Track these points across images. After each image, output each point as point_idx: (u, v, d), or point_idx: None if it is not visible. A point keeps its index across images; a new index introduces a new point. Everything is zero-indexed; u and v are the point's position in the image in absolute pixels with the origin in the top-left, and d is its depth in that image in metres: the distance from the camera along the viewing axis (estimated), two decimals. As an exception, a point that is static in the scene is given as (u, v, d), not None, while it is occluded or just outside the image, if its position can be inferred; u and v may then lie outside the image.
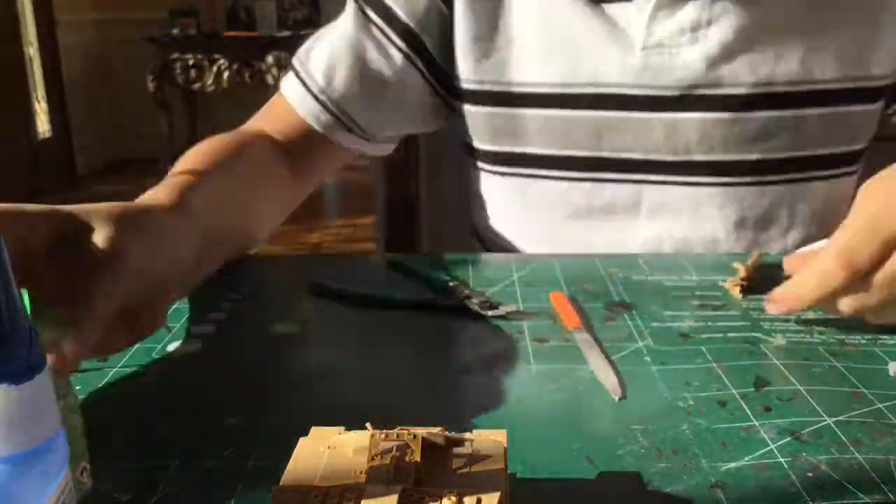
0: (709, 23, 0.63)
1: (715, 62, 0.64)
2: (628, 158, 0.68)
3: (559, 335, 0.49)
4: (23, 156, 3.82)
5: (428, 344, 0.49)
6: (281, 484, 0.29)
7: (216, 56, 4.14)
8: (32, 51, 4.04)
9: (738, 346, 0.47)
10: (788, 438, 0.37)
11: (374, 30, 0.69)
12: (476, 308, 0.52)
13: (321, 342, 0.49)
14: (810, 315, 0.52)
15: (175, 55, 4.16)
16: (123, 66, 4.47)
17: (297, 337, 0.50)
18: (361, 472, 0.29)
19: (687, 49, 0.64)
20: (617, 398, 0.41)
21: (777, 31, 0.64)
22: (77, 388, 0.34)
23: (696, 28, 0.63)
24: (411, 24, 0.69)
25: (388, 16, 0.69)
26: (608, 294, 0.56)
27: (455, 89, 0.71)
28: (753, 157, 0.66)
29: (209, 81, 4.16)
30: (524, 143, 0.70)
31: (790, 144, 0.66)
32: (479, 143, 0.73)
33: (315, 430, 0.33)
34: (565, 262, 0.62)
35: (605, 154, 0.68)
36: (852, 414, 0.39)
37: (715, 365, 0.45)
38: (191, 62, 4.16)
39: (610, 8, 0.65)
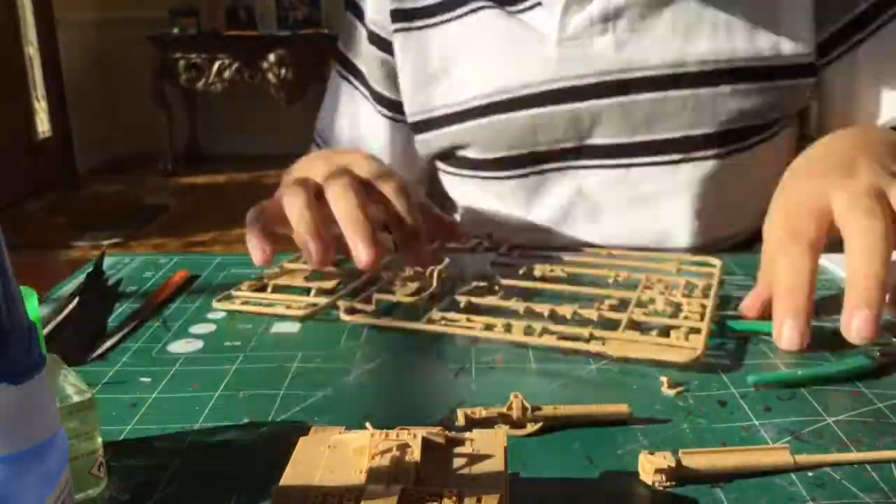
0: (617, 12, 0.66)
1: (626, 47, 0.67)
2: (560, 149, 0.71)
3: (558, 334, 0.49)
4: (23, 155, 3.81)
5: (428, 342, 0.49)
6: (281, 484, 0.29)
7: (216, 55, 4.14)
8: (32, 50, 4.04)
9: (738, 345, 0.47)
10: (789, 438, 0.37)
11: (366, 112, 0.80)
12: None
13: (322, 341, 0.49)
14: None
15: (175, 55, 4.16)
16: (123, 65, 4.47)
17: (297, 336, 0.50)
18: (361, 472, 0.29)
19: (599, 38, 0.67)
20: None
21: (683, 13, 0.66)
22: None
23: (605, 19, 0.67)
24: (390, 96, 0.78)
25: (377, 96, 0.79)
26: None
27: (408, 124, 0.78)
28: (678, 134, 0.68)
29: (209, 81, 4.16)
30: (470, 150, 0.74)
31: (711, 121, 0.67)
32: (436, 159, 0.79)
33: (315, 430, 0.33)
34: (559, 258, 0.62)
35: (542, 148, 0.71)
36: (852, 413, 0.39)
37: (715, 363, 0.45)
38: (191, 62, 4.16)
39: (524, 15, 0.70)
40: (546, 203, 0.73)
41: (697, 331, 0.46)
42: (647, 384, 0.43)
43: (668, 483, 0.33)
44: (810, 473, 0.34)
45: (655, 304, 0.52)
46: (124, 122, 4.59)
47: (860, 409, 0.40)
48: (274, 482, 0.29)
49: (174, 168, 4.32)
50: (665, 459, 0.33)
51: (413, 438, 0.30)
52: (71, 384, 0.33)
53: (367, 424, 0.33)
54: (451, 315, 0.50)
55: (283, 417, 0.39)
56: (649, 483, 0.33)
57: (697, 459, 0.34)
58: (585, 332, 0.47)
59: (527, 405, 0.38)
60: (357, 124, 0.81)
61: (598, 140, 0.70)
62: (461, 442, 0.31)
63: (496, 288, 0.55)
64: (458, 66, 0.73)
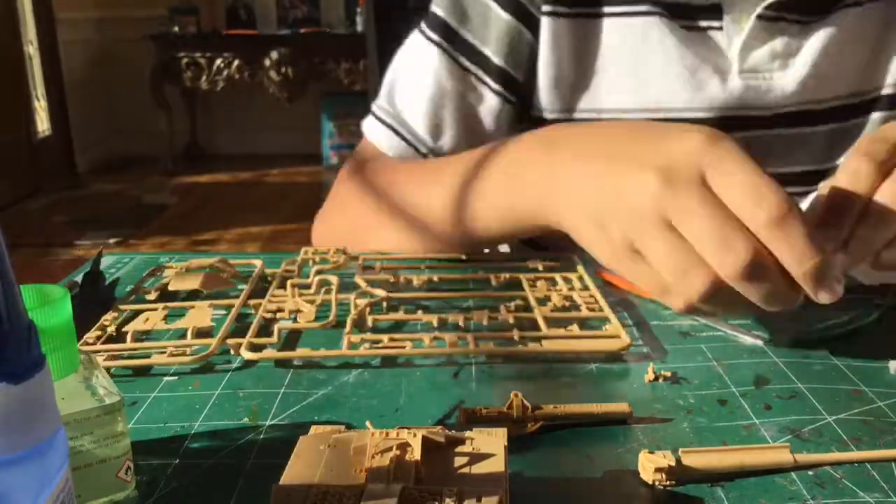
0: (798, 49, 0.66)
1: (805, 82, 0.66)
2: None
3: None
4: (23, 154, 3.81)
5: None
6: (281, 482, 0.29)
7: (216, 54, 4.14)
8: (32, 49, 4.03)
9: (738, 345, 0.47)
10: (789, 437, 0.37)
11: (472, 79, 0.70)
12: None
13: (322, 340, 0.49)
14: (810, 313, 0.52)
15: (175, 53, 4.16)
16: (123, 64, 4.47)
17: (296, 335, 0.50)
18: (361, 472, 0.29)
19: (779, 73, 0.66)
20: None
21: (862, 44, 0.66)
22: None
23: (787, 55, 0.66)
24: (504, 66, 0.69)
25: (483, 62, 0.69)
26: (608, 293, 0.56)
27: (536, 116, 0.71)
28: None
29: (209, 80, 4.16)
30: None
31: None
32: None
33: (315, 429, 0.33)
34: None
35: None
36: (853, 412, 0.39)
37: (715, 363, 0.45)
38: (191, 60, 4.16)
39: (702, 35, 0.67)
40: None
41: (607, 320, 0.49)
42: (647, 383, 0.43)
43: (668, 482, 0.33)
44: (810, 472, 0.34)
45: (552, 300, 0.53)
46: (124, 122, 4.59)
47: (860, 408, 0.40)
48: (274, 481, 0.29)
49: (174, 167, 4.32)
50: (665, 458, 0.33)
51: (413, 438, 0.30)
52: (102, 386, 0.32)
53: (367, 424, 0.33)
54: (370, 336, 0.48)
55: (283, 417, 0.39)
56: (649, 482, 0.33)
57: (697, 458, 0.34)
58: (514, 335, 0.48)
59: (527, 405, 0.38)
60: (471, 111, 0.70)
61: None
62: (461, 441, 0.31)
63: (383, 303, 0.53)
64: (613, 69, 0.68)
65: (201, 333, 0.48)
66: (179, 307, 0.53)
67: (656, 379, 0.43)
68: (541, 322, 0.49)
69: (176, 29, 4.19)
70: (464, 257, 0.63)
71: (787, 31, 0.65)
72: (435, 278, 0.58)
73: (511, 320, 0.50)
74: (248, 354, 0.46)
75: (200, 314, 0.51)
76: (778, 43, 0.65)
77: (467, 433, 0.32)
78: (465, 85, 0.70)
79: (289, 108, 4.28)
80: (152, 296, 0.55)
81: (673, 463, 0.33)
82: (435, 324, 0.50)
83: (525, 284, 0.56)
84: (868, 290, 0.54)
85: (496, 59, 0.69)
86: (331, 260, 0.61)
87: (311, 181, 4.19)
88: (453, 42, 0.69)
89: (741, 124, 0.67)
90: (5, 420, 0.20)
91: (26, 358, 0.21)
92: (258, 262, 0.61)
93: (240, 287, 0.57)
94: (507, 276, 0.58)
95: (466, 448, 0.31)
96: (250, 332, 0.48)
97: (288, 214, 3.49)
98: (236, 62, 4.13)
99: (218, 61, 4.14)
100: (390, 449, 0.30)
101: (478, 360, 0.46)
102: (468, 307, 0.54)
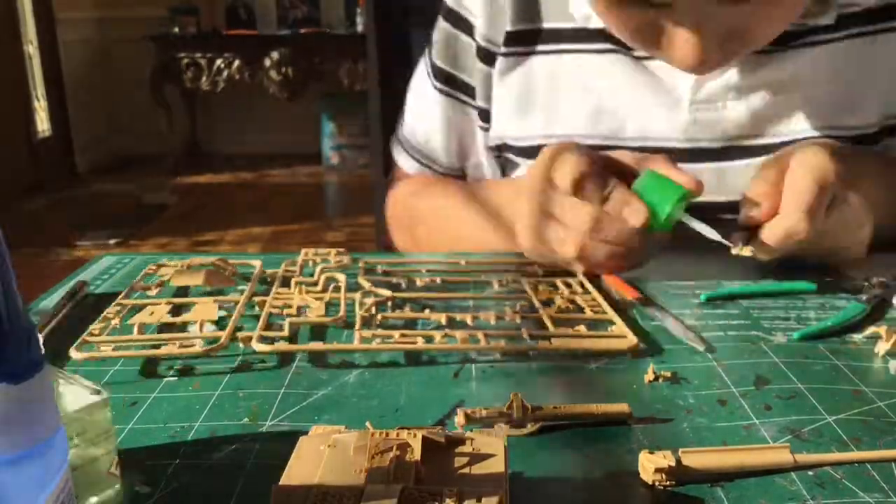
0: (754, 82, 0.66)
1: (759, 115, 0.66)
2: None
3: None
4: (23, 154, 3.82)
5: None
6: (281, 482, 0.29)
7: (216, 54, 4.14)
8: (32, 49, 4.04)
9: (738, 345, 0.47)
10: (789, 437, 0.37)
11: (468, 110, 0.79)
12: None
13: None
14: (811, 314, 0.52)
15: (175, 53, 4.16)
16: (123, 64, 4.47)
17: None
18: (361, 472, 0.29)
19: (733, 104, 0.67)
20: (703, 349, 0.46)
21: (817, 83, 0.66)
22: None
23: (740, 88, 0.66)
24: (482, 105, 0.77)
25: (466, 88, 0.78)
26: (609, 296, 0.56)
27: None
28: None
29: (209, 80, 4.17)
30: None
31: None
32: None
33: (315, 429, 0.33)
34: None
35: None
36: (853, 412, 0.39)
37: (715, 363, 0.45)
38: (191, 60, 4.16)
39: (653, 64, 0.68)
40: None
41: (612, 321, 0.50)
42: (647, 384, 0.43)
43: (668, 482, 0.33)
44: (810, 472, 0.34)
45: (556, 302, 0.54)
46: (124, 122, 4.60)
47: (860, 408, 0.40)
48: (274, 481, 0.29)
49: (174, 167, 4.32)
50: (665, 459, 0.33)
51: (413, 438, 0.30)
52: (84, 385, 0.33)
53: (368, 424, 0.33)
54: (380, 332, 0.48)
55: (283, 417, 0.39)
56: (649, 482, 0.33)
57: (698, 458, 0.34)
58: (523, 333, 0.48)
59: (527, 405, 0.38)
60: (469, 142, 0.80)
61: (716, 198, 0.67)
62: (461, 442, 0.31)
63: (388, 302, 0.54)
64: (572, 98, 0.71)
65: (209, 327, 0.49)
66: (183, 302, 0.53)
67: (656, 379, 0.43)
68: (548, 322, 0.50)
69: (176, 29, 4.20)
70: (463, 262, 0.63)
71: (742, 64, 0.65)
72: (438, 280, 0.59)
73: (518, 320, 0.51)
74: (259, 346, 0.46)
75: (206, 308, 0.51)
76: (732, 74, 0.66)
77: (467, 434, 0.32)
78: (463, 118, 0.79)
79: (289, 108, 4.28)
80: (153, 291, 0.56)
81: (673, 463, 0.33)
82: (444, 322, 0.50)
83: (527, 287, 0.57)
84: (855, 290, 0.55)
85: (483, 104, 0.77)
86: (332, 260, 0.61)
87: (312, 181, 4.19)
88: (455, 86, 0.78)
89: (693, 155, 0.67)
90: (5, 420, 0.20)
91: (26, 358, 0.21)
92: (257, 263, 0.61)
93: (240, 287, 0.57)
94: (510, 279, 0.59)
95: (466, 448, 0.31)
96: (260, 325, 0.48)
97: (288, 215, 3.49)
98: (236, 62, 4.13)
99: (218, 61, 4.15)
100: (390, 449, 0.30)
101: (478, 360, 0.46)
102: (474, 307, 0.54)
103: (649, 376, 0.43)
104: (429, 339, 0.47)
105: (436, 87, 0.80)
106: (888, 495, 0.32)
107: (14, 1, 3.85)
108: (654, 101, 0.68)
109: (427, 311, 0.52)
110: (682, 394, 0.41)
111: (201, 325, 0.49)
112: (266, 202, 3.77)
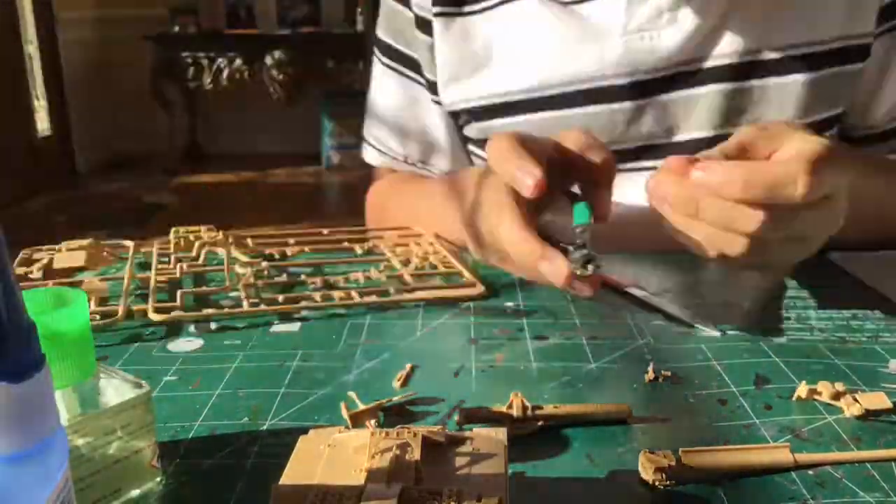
0: (685, 3, 0.64)
1: (696, 38, 0.64)
2: (624, 149, 0.68)
3: (559, 333, 0.49)
4: (23, 154, 3.81)
5: (428, 341, 0.49)
6: (281, 482, 0.29)
7: (216, 54, 4.14)
8: (32, 48, 4.03)
9: (738, 344, 0.47)
10: (789, 437, 0.37)
11: (425, 100, 0.77)
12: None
13: (322, 340, 0.49)
14: (811, 313, 0.52)
15: (175, 53, 4.15)
16: (123, 63, 4.46)
17: (296, 335, 0.50)
18: (361, 472, 0.29)
19: (667, 30, 0.65)
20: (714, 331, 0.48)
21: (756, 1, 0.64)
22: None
23: (673, 8, 0.64)
24: (431, 78, 0.75)
25: (419, 72, 0.76)
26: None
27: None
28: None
29: (209, 79, 4.16)
30: None
31: (778, 112, 0.65)
32: (472, 148, 0.78)
33: (315, 430, 0.33)
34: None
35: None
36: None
37: (715, 363, 0.45)
38: (191, 60, 4.16)
39: (581, 7, 0.67)
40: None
41: (461, 274, 0.59)
42: (647, 383, 0.43)
43: (668, 482, 0.33)
44: (811, 472, 0.34)
45: (413, 262, 0.62)
46: (124, 122, 4.59)
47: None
48: (274, 481, 0.29)
49: (174, 167, 4.32)
50: (665, 458, 0.33)
51: (413, 438, 0.30)
52: (126, 379, 0.33)
53: (367, 424, 0.33)
54: (265, 296, 0.54)
55: (283, 417, 0.39)
56: (649, 482, 0.33)
57: (698, 458, 0.34)
58: (389, 289, 0.56)
59: (527, 405, 0.38)
60: (419, 116, 0.78)
61: (660, 140, 0.67)
62: (461, 441, 0.31)
63: (265, 271, 0.60)
64: (504, 55, 0.70)
65: (101, 302, 0.53)
66: (72, 282, 0.56)
67: (656, 379, 0.43)
68: (408, 278, 0.58)
69: (176, 29, 4.19)
70: (326, 232, 0.71)
71: None
72: (306, 249, 0.67)
73: (384, 278, 0.58)
74: (155, 316, 0.50)
75: (94, 285, 0.55)
76: None
77: (467, 434, 0.32)
78: (413, 97, 0.78)
79: (289, 107, 4.28)
80: (36, 275, 0.57)
81: (673, 463, 0.33)
82: (319, 284, 0.57)
83: (386, 250, 0.65)
84: None
85: (430, 76, 0.75)
86: (205, 236, 0.66)
87: (311, 181, 4.19)
88: (399, 60, 0.78)
89: (631, 89, 0.66)
90: (5, 420, 0.20)
91: (26, 358, 0.21)
92: (130, 243, 0.65)
93: (118, 266, 0.61)
94: (371, 244, 0.68)
95: (466, 448, 0.31)
96: (151, 298, 0.52)
97: (288, 214, 3.49)
98: (237, 62, 4.13)
99: (218, 61, 4.14)
100: (390, 449, 0.30)
101: (479, 361, 0.46)
102: (344, 271, 0.61)
103: (649, 376, 0.43)
104: (310, 301, 0.53)
105: (382, 63, 0.79)
106: (888, 495, 0.32)
107: (14, 1, 3.84)
108: (585, 40, 0.66)
109: (303, 276, 0.59)
110: (682, 394, 0.41)
111: (96, 301, 0.52)
112: (266, 202, 3.77)
